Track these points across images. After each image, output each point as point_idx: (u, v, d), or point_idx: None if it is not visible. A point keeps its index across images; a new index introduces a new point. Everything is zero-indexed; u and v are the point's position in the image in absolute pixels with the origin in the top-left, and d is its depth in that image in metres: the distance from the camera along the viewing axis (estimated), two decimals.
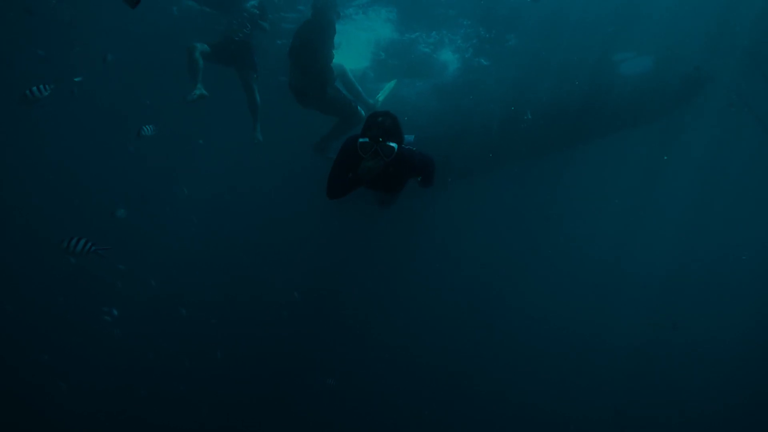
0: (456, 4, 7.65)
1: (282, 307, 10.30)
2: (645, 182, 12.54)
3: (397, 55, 8.60)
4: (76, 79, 7.10)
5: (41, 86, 3.56)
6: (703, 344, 12.90)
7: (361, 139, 2.45)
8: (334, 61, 6.03)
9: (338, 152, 2.74)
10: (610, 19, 7.55)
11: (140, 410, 8.03)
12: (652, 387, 11.91)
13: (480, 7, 7.63)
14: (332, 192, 2.73)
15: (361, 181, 2.69)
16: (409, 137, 2.97)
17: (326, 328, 10.56)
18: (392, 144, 2.43)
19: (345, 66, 6.81)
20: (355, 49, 8.30)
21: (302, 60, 5.75)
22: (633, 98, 8.09)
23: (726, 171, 11.89)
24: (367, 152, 2.44)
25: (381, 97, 7.53)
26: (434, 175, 3.07)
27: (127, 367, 8.67)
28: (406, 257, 12.09)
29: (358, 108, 6.38)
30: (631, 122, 8.60)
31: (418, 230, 12.05)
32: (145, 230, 10.53)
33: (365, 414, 9.57)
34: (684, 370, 12.49)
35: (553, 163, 10.11)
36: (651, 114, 8.60)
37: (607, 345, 12.89)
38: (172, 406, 8.24)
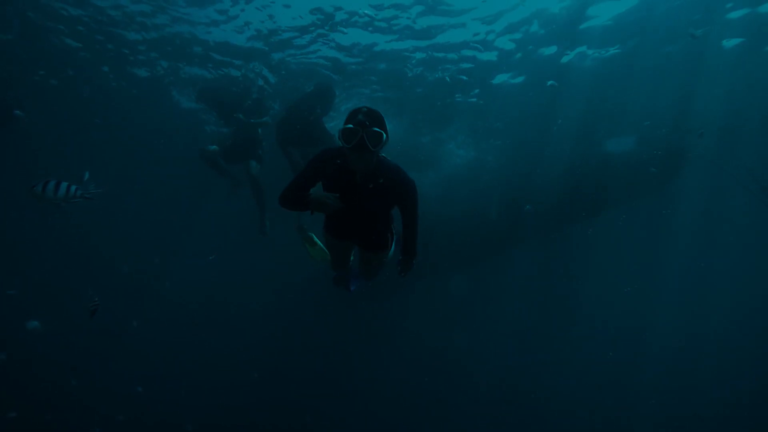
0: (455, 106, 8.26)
1: None
2: None
3: (397, 150, 9.16)
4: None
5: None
6: None
7: (345, 126, 2.14)
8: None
9: (307, 163, 2.45)
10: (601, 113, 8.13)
11: None
12: None
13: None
14: (285, 197, 2.38)
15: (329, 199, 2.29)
16: None
17: None
18: (379, 130, 2.13)
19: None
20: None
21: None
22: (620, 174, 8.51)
23: None
24: (352, 140, 2.11)
25: None
26: (417, 223, 2.58)
27: None
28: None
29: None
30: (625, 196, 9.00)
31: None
32: None
33: None
34: None
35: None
36: (640, 188, 8.96)
37: None
38: None
